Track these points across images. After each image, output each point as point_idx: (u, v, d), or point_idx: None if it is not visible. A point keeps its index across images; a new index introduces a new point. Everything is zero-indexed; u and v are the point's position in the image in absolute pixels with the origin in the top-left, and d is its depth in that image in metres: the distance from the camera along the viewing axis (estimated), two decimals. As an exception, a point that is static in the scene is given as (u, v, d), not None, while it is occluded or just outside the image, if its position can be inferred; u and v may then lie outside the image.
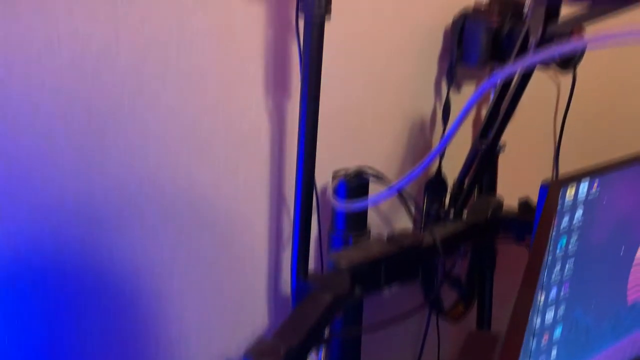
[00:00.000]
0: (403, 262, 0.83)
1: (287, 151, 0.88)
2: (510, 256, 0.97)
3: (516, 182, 1.07)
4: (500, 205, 0.98)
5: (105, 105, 0.70)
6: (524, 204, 0.96)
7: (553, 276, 0.69)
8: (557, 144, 1.03)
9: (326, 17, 0.69)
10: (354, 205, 0.80)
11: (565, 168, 1.18)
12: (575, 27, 0.66)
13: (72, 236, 0.72)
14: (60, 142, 0.68)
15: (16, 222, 0.68)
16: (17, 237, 0.69)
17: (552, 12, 0.60)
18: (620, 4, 0.46)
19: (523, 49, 0.68)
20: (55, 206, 0.70)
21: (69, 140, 0.69)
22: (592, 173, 0.68)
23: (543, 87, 1.09)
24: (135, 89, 0.72)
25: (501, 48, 0.93)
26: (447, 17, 0.97)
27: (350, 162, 0.90)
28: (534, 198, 0.67)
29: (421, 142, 1.04)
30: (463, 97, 1.06)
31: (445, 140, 0.48)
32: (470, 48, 0.95)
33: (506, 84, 0.79)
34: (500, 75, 0.46)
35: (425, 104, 1.03)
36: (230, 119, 0.82)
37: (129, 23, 0.70)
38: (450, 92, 1.00)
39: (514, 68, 0.46)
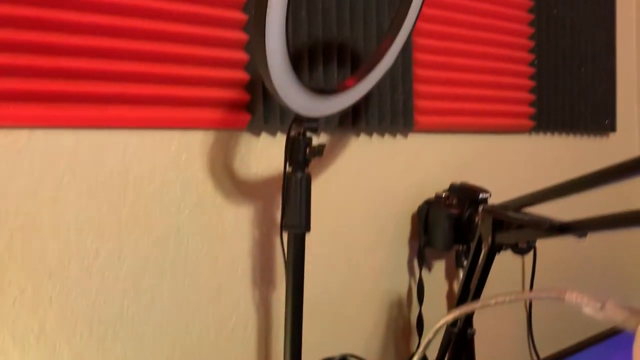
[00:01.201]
0: None
1: (272, 341, 0.93)
2: None
3: (495, 356, 1.12)
4: (480, 382, 1.01)
5: (106, 316, 0.77)
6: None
7: None
8: (528, 314, 1.09)
9: (306, 232, 0.78)
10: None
11: (540, 336, 1.23)
12: (520, 239, 0.77)
13: None
14: (61, 354, 0.73)
15: None
16: None
17: (498, 225, 0.71)
18: (551, 234, 0.59)
19: (478, 253, 0.78)
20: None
21: (70, 351, 0.74)
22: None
23: (509, 264, 1.19)
24: (133, 297, 0.79)
25: (463, 232, 1.04)
26: (413, 206, 1.09)
27: (334, 346, 0.95)
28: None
29: (400, 321, 1.10)
30: (435, 275, 1.14)
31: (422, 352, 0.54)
32: (435, 234, 1.06)
33: (470, 272, 0.88)
34: (453, 313, 0.54)
35: (401, 284, 1.11)
36: (220, 317, 0.88)
37: (132, 236, 0.79)
38: (422, 272, 1.08)
39: (464, 310, 0.55)
